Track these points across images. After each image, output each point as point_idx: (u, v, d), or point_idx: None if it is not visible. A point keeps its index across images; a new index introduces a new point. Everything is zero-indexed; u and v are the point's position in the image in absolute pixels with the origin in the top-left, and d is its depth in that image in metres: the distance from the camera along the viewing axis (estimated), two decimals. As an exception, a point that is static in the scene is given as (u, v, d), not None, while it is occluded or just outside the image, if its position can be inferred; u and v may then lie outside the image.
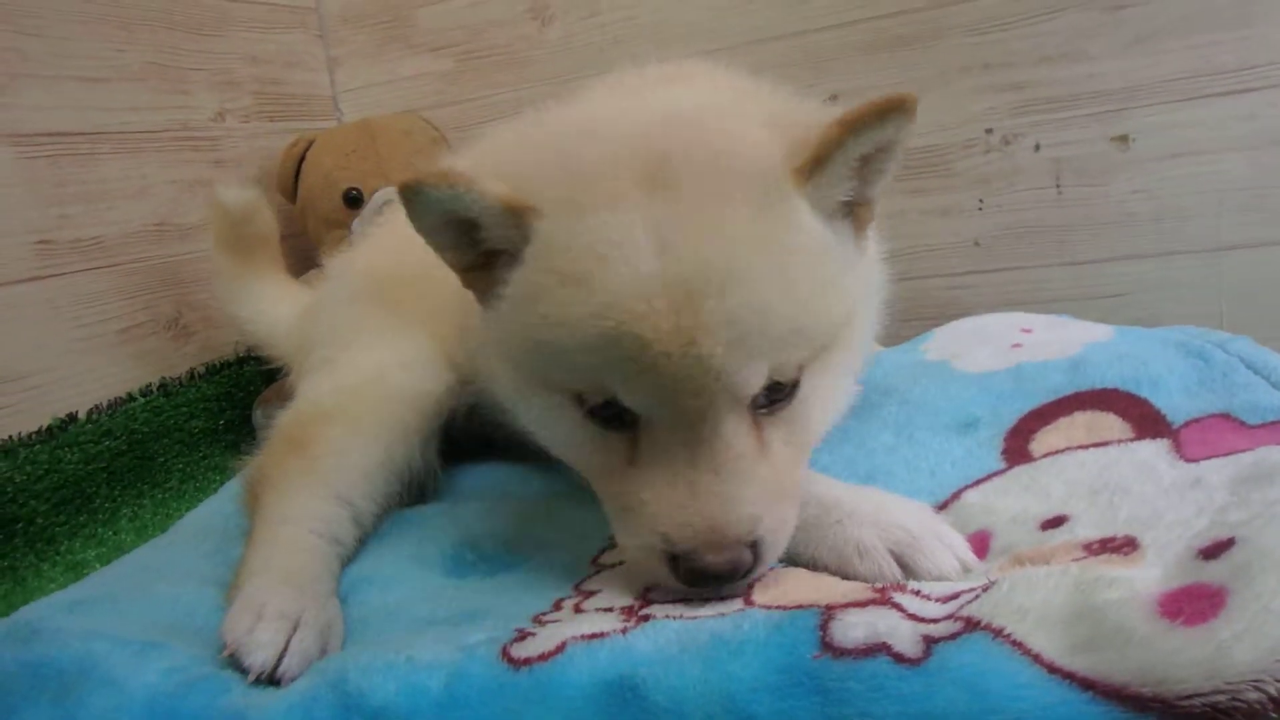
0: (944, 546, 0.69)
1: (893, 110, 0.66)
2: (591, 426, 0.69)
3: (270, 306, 1.29)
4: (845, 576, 0.69)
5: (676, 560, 0.65)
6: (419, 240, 1.07)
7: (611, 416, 0.67)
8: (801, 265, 0.67)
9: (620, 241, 0.63)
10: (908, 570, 0.69)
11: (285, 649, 0.68)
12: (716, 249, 0.63)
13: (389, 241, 1.15)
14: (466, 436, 1.09)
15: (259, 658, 0.67)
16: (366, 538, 0.91)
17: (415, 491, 0.98)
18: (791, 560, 0.73)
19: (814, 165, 0.67)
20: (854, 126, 0.66)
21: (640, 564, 0.68)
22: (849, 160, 0.68)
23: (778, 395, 0.68)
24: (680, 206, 0.64)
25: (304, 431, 0.93)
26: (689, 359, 0.63)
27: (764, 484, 0.66)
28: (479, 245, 0.71)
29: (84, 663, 0.66)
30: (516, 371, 0.72)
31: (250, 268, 1.31)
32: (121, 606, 0.78)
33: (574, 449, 0.72)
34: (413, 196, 0.67)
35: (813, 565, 0.72)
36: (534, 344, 0.67)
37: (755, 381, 0.66)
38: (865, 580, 0.68)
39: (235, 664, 0.68)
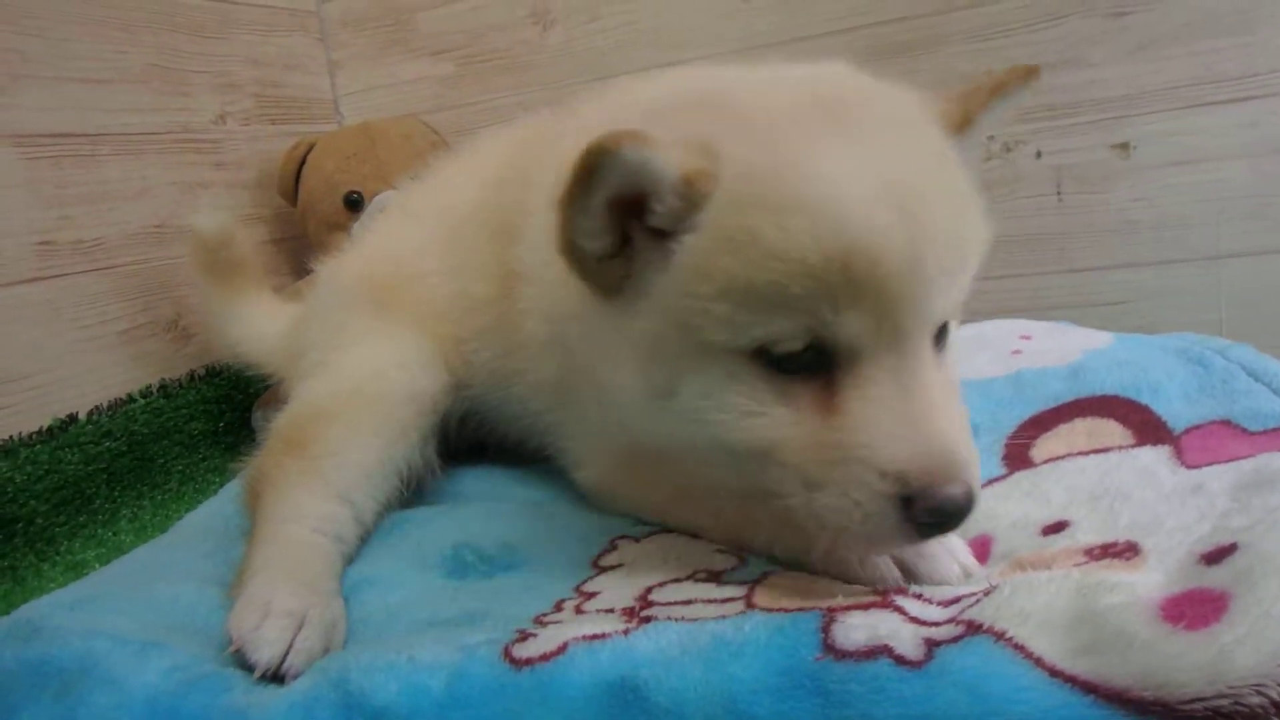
0: (945, 551, 0.69)
1: (1031, 77, 0.75)
2: (777, 381, 0.64)
3: (258, 326, 1.30)
4: (847, 582, 0.69)
5: (910, 504, 0.60)
6: (410, 245, 1.07)
7: (804, 364, 0.64)
8: (972, 198, 0.70)
9: (834, 166, 0.62)
10: (909, 575, 0.68)
11: (290, 646, 0.68)
12: (924, 170, 0.65)
13: (379, 246, 1.15)
14: (461, 442, 1.09)
15: (265, 654, 0.67)
16: (368, 536, 0.91)
17: (413, 489, 0.98)
18: (793, 565, 0.73)
19: (964, 122, 0.73)
20: (1003, 91, 0.73)
21: (859, 527, 0.62)
22: (991, 120, 0.74)
23: (940, 337, 0.68)
24: (876, 140, 0.65)
25: (302, 432, 0.93)
26: (915, 275, 0.62)
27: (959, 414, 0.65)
28: (621, 228, 0.67)
29: (85, 661, 0.66)
30: (672, 352, 0.67)
31: (234, 290, 1.31)
32: (122, 605, 0.78)
33: (755, 415, 0.65)
34: (606, 159, 0.61)
35: (813, 570, 0.72)
36: (721, 297, 0.63)
37: (952, 305, 0.67)
38: (866, 585, 0.68)
39: (241, 660, 0.68)
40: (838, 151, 0.63)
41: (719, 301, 0.63)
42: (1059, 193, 1.41)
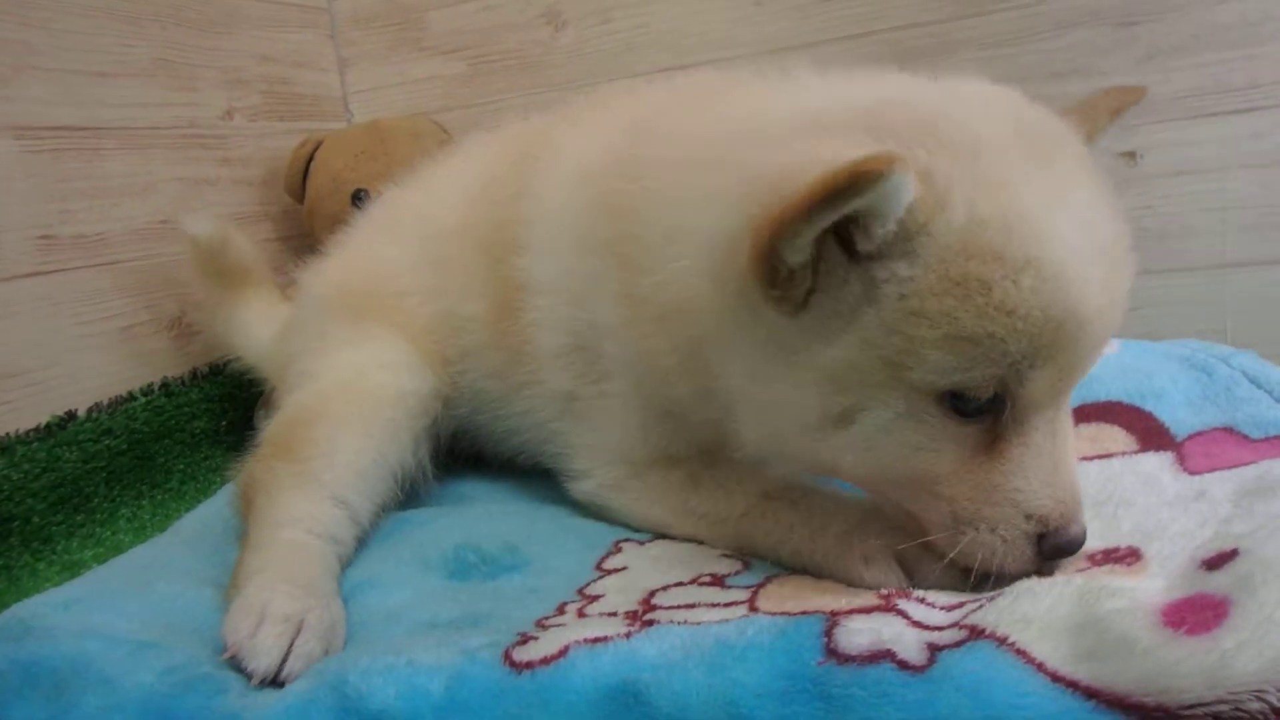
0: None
1: (1139, 97, 0.79)
2: (953, 423, 0.65)
3: (254, 330, 1.28)
4: (850, 583, 0.69)
5: (1041, 539, 0.65)
6: (387, 260, 1.07)
7: (981, 409, 0.65)
8: None
9: (1062, 224, 0.61)
10: (913, 578, 0.69)
11: (289, 651, 0.67)
12: (1113, 221, 0.66)
13: (357, 256, 1.13)
14: (455, 455, 1.09)
15: (262, 663, 0.66)
16: (365, 536, 0.90)
17: (409, 493, 0.97)
18: (797, 569, 0.73)
19: (1091, 136, 0.74)
20: (1121, 112, 0.76)
21: (993, 553, 0.66)
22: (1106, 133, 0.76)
23: None
24: (1080, 185, 0.65)
25: (291, 435, 0.92)
26: (1105, 333, 0.65)
27: None
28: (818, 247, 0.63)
29: (78, 661, 0.66)
30: (862, 383, 0.65)
31: (235, 294, 1.30)
32: (118, 605, 0.77)
33: (928, 451, 0.66)
34: (871, 180, 0.57)
35: (818, 572, 0.71)
36: (939, 343, 0.62)
37: None
38: (870, 588, 0.68)
39: (237, 667, 0.67)
40: (1059, 203, 0.62)
41: (934, 347, 0.62)
42: (1065, 200, 1.41)
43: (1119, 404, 0.90)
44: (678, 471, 0.85)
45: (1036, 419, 0.66)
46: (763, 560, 0.76)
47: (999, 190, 0.61)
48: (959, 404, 0.65)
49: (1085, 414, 0.89)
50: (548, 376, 0.91)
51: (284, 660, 0.67)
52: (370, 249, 1.13)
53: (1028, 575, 0.65)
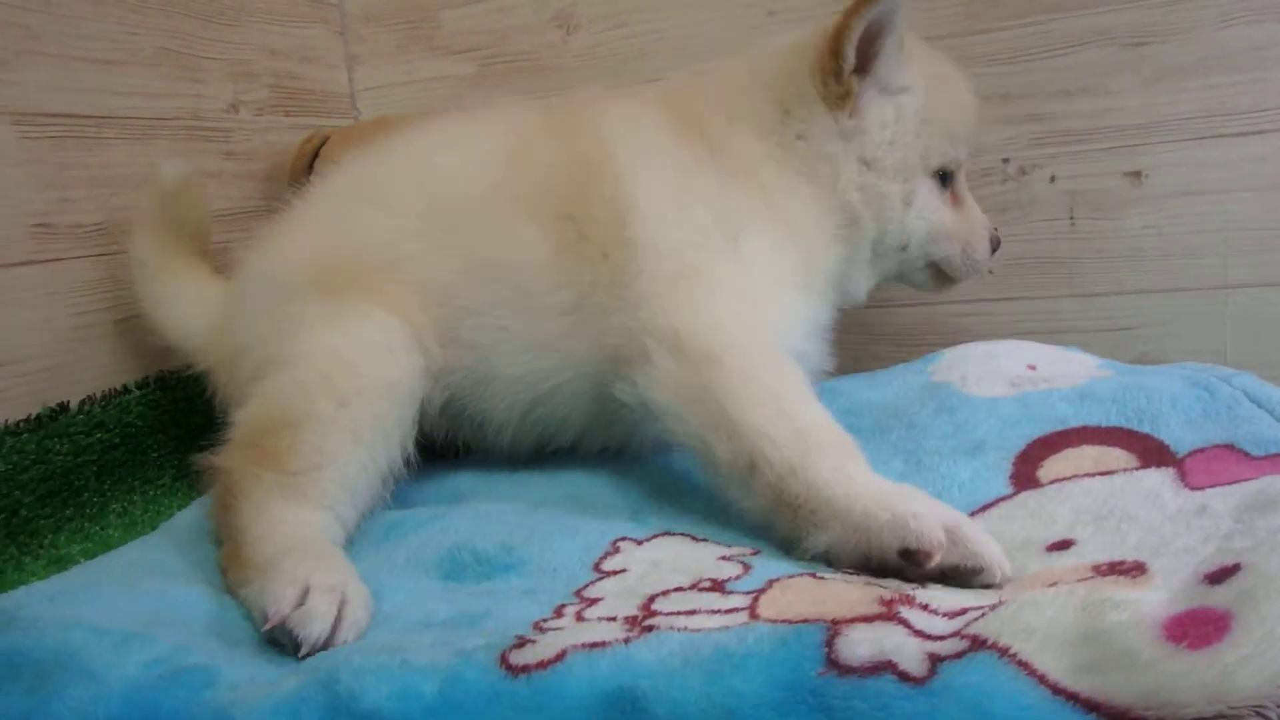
0: (989, 538, 0.71)
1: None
2: (941, 192, 1.12)
3: (187, 308, 1.19)
4: (895, 544, 0.71)
5: (990, 239, 1.15)
6: (378, 232, 1.07)
7: (944, 180, 1.11)
8: None
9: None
10: (955, 545, 0.69)
11: (339, 619, 0.69)
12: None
13: (331, 233, 1.08)
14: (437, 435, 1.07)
15: (315, 629, 0.67)
16: (351, 537, 0.89)
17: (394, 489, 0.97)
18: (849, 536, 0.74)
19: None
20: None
21: (979, 259, 1.14)
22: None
23: None
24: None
25: (276, 439, 0.88)
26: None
27: None
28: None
29: (61, 653, 0.65)
30: (911, 170, 1.08)
31: (175, 263, 1.21)
32: (104, 599, 0.76)
33: (941, 210, 1.11)
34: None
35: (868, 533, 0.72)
36: (941, 136, 1.09)
37: None
38: (908, 546, 0.70)
39: (283, 637, 0.68)
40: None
41: (939, 138, 1.09)
42: (1072, 218, 1.41)
43: (1118, 429, 0.90)
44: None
45: (961, 178, 1.14)
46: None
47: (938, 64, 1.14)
48: (943, 179, 1.11)
49: (1086, 437, 0.90)
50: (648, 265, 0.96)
51: (335, 627, 0.68)
52: (352, 222, 1.08)
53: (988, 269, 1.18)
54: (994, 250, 1.16)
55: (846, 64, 1.02)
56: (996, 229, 1.17)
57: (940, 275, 1.16)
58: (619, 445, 1.06)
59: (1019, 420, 0.94)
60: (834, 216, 1.06)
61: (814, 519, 0.75)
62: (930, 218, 1.10)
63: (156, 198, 1.21)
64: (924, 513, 0.71)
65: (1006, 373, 1.04)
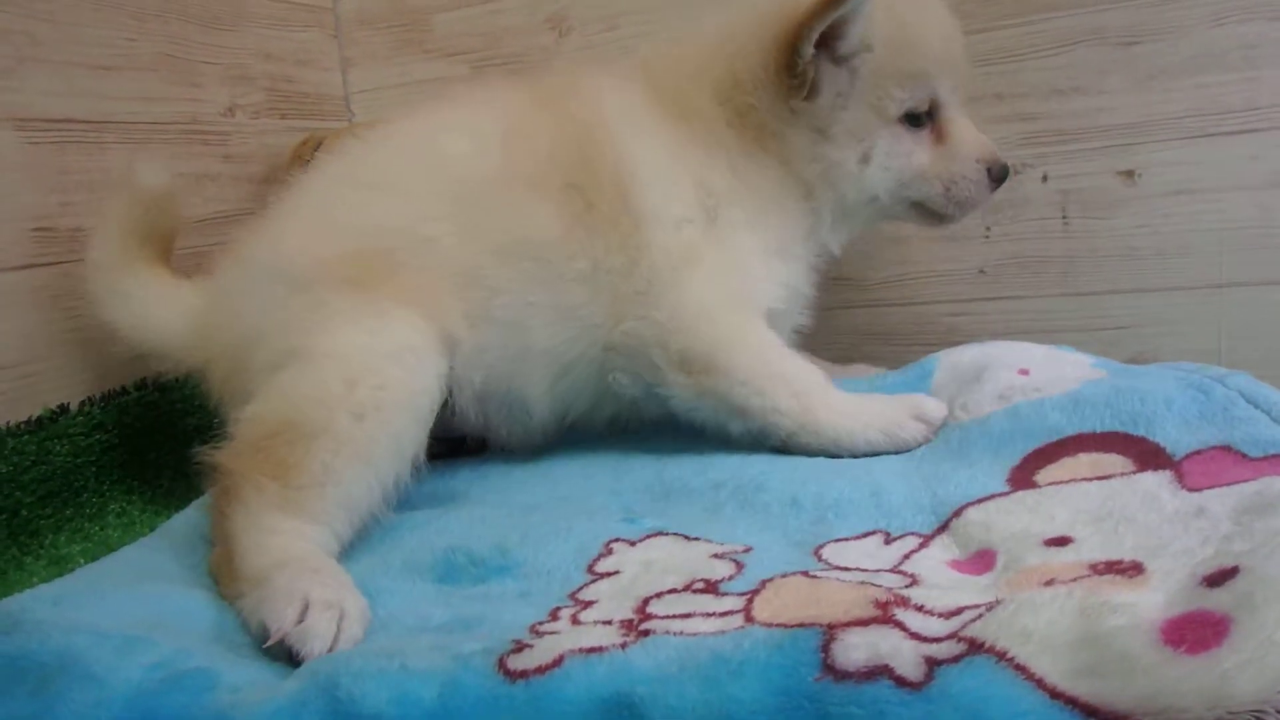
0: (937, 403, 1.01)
1: None
2: (911, 134, 1.09)
3: (158, 311, 1.12)
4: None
5: (990, 172, 1.10)
6: (394, 217, 1.04)
7: (921, 119, 1.09)
8: None
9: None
10: (928, 425, 0.99)
11: (338, 636, 0.69)
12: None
13: (348, 216, 1.04)
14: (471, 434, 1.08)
15: (317, 646, 0.68)
16: (343, 551, 0.88)
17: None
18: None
19: None
20: None
21: (970, 194, 1.11)
22: None
23: None
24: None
25: (287, 450, 0.86)
26: (963, 59, 1.15)
27: None
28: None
29: (64, 656, 0.65)
30: (865, 128, 1.07)
31: (140, 264, 1.14)
32: (107, 601, 0.76)
33: (913, 155, 1.09)
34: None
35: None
36: (895, 84, 1.06)
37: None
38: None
39: (284, 653, 0.69)
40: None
41: (898, 86, 1.06)
42: (1064, 217, 1.41)
43: (1113, 434, 0.89)
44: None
45: (952, 113, 1.10)
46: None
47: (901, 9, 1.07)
48: (914, 120, 1.09)
49: (1082, 444, 0.89)
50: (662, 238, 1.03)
51: (334, 644, 0.69)
52: (362, 208, 1.04)
53: (987, 202, 1.13)
54: (998, 180, 1.11)
55: (803, 59, 1.03)
56: (998, 158, 1.11)
57: (929, 214, 1.14)
58: (628, 416, 1.11)
59: (1012, 435, 0.92)
60: (793, 188, 1.09)
61: (818, 448, 1.00)
62: (895, 165, 1.09)
63: (132, 200, 1.15)
64: (895, 418, 0.99)
65: (995, 386, 1.01)
